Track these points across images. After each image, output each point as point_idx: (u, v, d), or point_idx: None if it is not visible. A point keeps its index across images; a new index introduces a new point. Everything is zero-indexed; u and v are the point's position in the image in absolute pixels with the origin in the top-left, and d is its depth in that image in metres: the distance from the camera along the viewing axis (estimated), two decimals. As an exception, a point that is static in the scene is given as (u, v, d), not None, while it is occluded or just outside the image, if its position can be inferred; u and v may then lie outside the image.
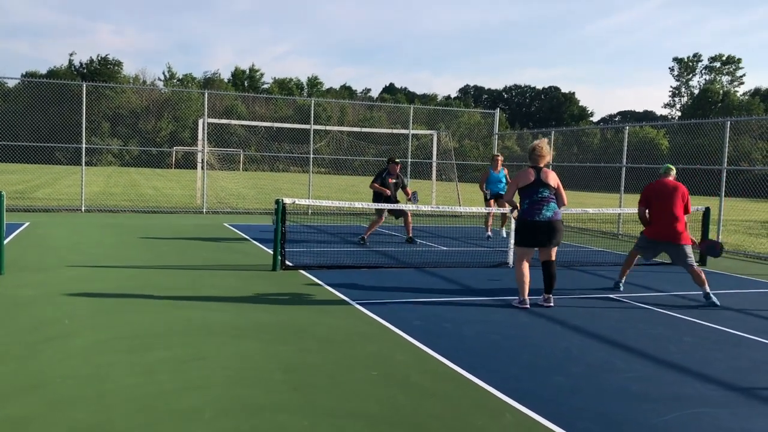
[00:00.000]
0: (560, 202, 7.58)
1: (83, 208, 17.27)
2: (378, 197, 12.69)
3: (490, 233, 14.43)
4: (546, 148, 7.59)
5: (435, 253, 11.85)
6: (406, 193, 13.22)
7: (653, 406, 4.48)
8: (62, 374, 4.62)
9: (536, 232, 7.42)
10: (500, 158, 14.32)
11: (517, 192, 7.67)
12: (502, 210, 12.36)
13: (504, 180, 14.06)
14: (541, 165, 7.56)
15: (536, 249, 7.61)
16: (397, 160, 12.92)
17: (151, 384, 4.48)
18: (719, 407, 4.51)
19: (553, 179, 7.50)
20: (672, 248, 8.33)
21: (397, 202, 12.89)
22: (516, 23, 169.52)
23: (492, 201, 14.00)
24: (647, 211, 8.48)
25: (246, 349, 5.39)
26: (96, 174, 38.53)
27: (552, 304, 7.56)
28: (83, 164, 17.78)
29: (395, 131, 26.23)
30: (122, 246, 11.21)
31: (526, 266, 7.52)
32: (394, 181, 12.80)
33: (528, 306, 7.43)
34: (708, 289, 8.13)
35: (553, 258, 7.60)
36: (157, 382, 4.52)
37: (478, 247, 13.05)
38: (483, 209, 12.36)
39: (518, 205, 7.68)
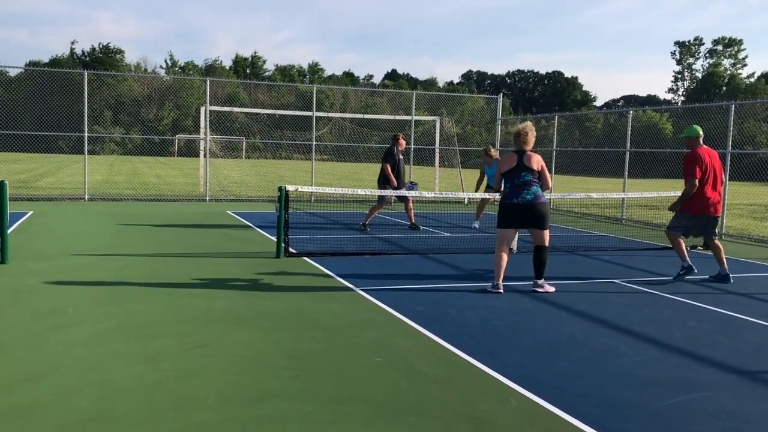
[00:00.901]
0: (544, 186, 7.51)
1: (86, 197, 17.27)
2: (385, 182, 12.51)
3: (477, 225, 13.92)
4: (531, 133, 7.54)
5: (438, 240, 11.83)
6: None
7: (657, 390, 4.47)
8: (66, 363, 4.63)
9: (514, 214, 7.41)
10: (492, 150, 13.66)
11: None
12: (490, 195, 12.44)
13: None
14: (526, 149, 7.50)
15: (515, 233, 7.74)
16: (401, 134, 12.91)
17: (155, 372, 4.49)
18: (723, 391, 4.50)
19: (536, 163, 7.44)
20: (711, 221, 8.33)
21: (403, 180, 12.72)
22: (518, 7, 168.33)
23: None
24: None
25: (249, 337, 5.38)
26: (98, 162, 38.54)
27: (544, 290, 7.51)
28: (86, 153, 17.76)
29: (398, 117, 26.16)
30: (125, 234, 11.21)
31: (505, 250, 7.54)
32: (401, 157, 12.74)
33: (501, 291, 7.38)
34: (727, 270, 8.34)
35: (545, 244, 7.54)
36: (161, 370, 4.52)
37: (482, 233, 13.03)
38: (480, 195, 12.44)
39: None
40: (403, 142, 12.71)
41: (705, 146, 8.39)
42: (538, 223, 7.43)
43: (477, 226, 13.85)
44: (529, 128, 7.57)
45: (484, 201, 13.99)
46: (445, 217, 15.93)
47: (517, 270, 8.87)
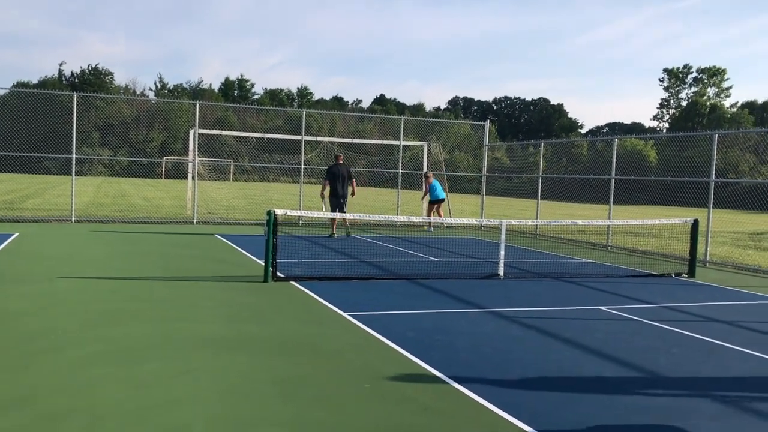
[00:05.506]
0: None
1: (73, 219, 17.18)
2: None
3: (432, 228, 19.29)
4: None
5: (426, 264, 11.87)
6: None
7: (645, 418, 4.50)
8: (52, 387, 4.60)
9: None
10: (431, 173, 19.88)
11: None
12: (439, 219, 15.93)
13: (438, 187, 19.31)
14: None
15: None
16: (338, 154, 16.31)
17: (142, 397, 4.47)
18: (710, 420, 4.54)
19: None
20: None
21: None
22: (505, 34, 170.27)
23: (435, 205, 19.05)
24: None
25: (237, 362, 5.37)
26: (85, 184, 38.33)
27: None
28: (73, 174, 17.70)
29: (386, 142, 26.29)
30: (112, 257, 11.16)
31: None
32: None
33: None
34: None
35: None
36: (148, 396, 4.50)
37: (469, 258, 13.08)
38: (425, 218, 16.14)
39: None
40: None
41: None
42: None
43: (432, 230, 19.09)
44: None
45: (430, 211, 19.08)
46: (433, 241, 15.98)
47: (505, 297, 8.93)
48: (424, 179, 19.95)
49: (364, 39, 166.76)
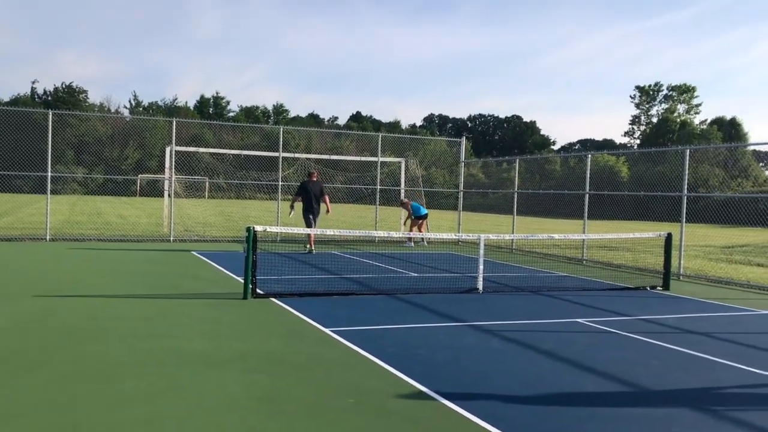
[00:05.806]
0: None
1: (48, 237, 16.97)
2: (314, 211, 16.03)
3: (412, 243, 19.40)
4: None
5: (405, 279, 11.92)
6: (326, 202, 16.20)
7: (625, 428, 4.58)
8: (32, 405, 4.55)
9: None
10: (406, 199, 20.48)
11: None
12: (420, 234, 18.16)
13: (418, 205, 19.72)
14: None
15: None
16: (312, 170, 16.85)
17: (125, 414, 4.44)
18: (688, 429, 4.63)
19: None
20: None
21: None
22: (478, 52, 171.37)
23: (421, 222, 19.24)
24: None
25: (220, 379, 5.36)
26: (60, 202, 37.84)
27: None
28: (48, 192, 17.49)
29: (364, 159, 26.38)
30: (90, 275, 11.05)
31: None
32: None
33: None
34: None
35: None
36: (131, 413, 4.48)
37: (448, 273, 13.16)
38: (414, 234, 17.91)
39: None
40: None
41: None
42: None
43: (412, 245, 19.31)
44: None
45: (413, 226, 19.08)
46: (412, 257, 16.05)
47: (484, 311, 9.00)
48: (401, 205, 20.42)
49: (339, 56, 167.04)
